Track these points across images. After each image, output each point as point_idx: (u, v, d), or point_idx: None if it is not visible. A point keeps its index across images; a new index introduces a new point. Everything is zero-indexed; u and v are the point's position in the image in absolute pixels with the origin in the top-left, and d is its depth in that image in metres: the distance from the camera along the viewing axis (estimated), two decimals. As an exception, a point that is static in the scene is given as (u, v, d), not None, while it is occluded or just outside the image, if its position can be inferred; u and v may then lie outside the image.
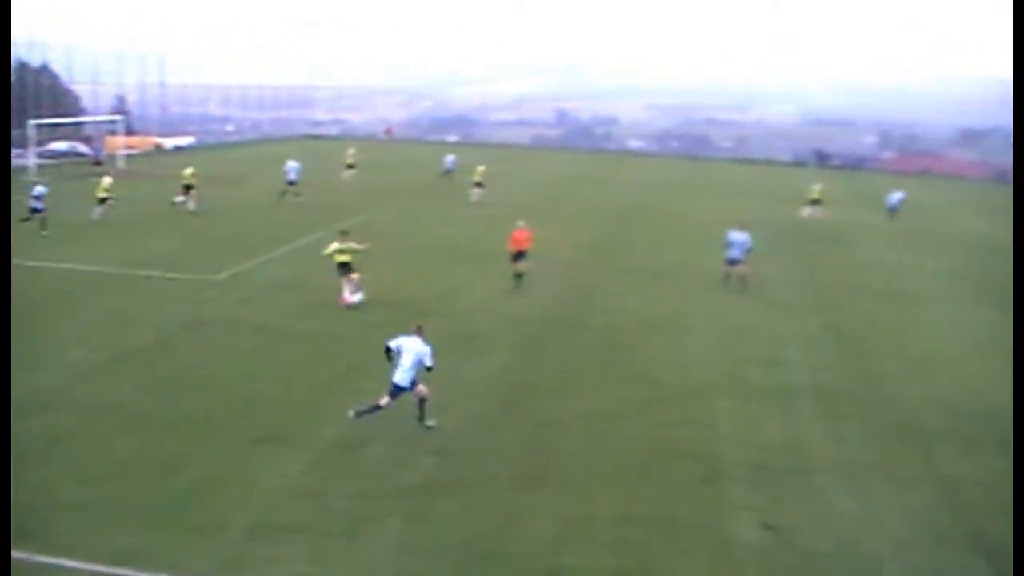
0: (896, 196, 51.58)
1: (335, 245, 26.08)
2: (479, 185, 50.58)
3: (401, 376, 16.88)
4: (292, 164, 47.00)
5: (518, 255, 29.33)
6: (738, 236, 30.63)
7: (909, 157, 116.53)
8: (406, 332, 17.25)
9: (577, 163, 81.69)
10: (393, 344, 17.11)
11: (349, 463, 15.88)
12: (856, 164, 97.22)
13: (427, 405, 17.25)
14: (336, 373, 20.53)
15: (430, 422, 17.25)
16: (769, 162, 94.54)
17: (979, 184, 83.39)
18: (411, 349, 16.93)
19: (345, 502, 14.42)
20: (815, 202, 50.39)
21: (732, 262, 30.57)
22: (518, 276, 29.38)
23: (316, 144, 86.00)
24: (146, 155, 68.03)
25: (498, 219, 38.30)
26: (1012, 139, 29.28)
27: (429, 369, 16.99)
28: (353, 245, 26.11)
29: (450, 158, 60.03)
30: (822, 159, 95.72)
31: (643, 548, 13.57)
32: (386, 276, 27.30)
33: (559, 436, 17.58)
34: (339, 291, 26.08)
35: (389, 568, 12.72)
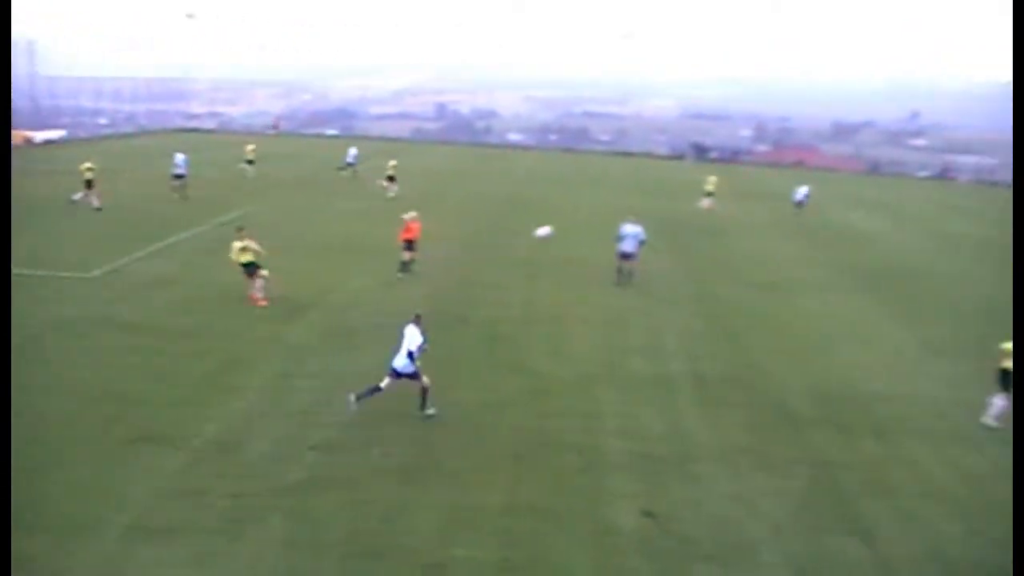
0: (802, 191, 53.16)
1: (237, 245, 25.36)
2: (391, 179, 49.86)
3: (400, 362, 17.47)
4: (180, 157, 45.70)
5: (408, 244, 29.33)
6: (631, 229, 30.36)
7: (784, 150, 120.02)
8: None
9: (458, 157, 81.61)
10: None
11: (229, 461, 15.59)
12: (732, 157, 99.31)
13: (372, 395, 17.56)
14: (214, 369, 20.10)
15: (352, 406, 17.54)
16: (647, 155, 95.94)
17: (852, 177, 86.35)
18: (407, 337, 17.47)
19: (225, 501, 14.16)
20: (710, 194, 51.83)
21: (625, 256, 30.31)
22: (405, 264, 29.37)
23: (193, 137, 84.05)
24: (15, 149, 65.52)
25: (383, 212, 38.11)
26: (1012, 139, 30.19)
27: (411, 355, 17.36)
28: (252, 244, 25.43)
29: (352, 151, 59.52)
30: (700, 152, 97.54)
31: (529, 538, 13.70)
32: (269, 270, 26.79)
33: (442, 428, 17.57)
34: (235, 289, 25.64)
35: (272, 566, 12.57)
